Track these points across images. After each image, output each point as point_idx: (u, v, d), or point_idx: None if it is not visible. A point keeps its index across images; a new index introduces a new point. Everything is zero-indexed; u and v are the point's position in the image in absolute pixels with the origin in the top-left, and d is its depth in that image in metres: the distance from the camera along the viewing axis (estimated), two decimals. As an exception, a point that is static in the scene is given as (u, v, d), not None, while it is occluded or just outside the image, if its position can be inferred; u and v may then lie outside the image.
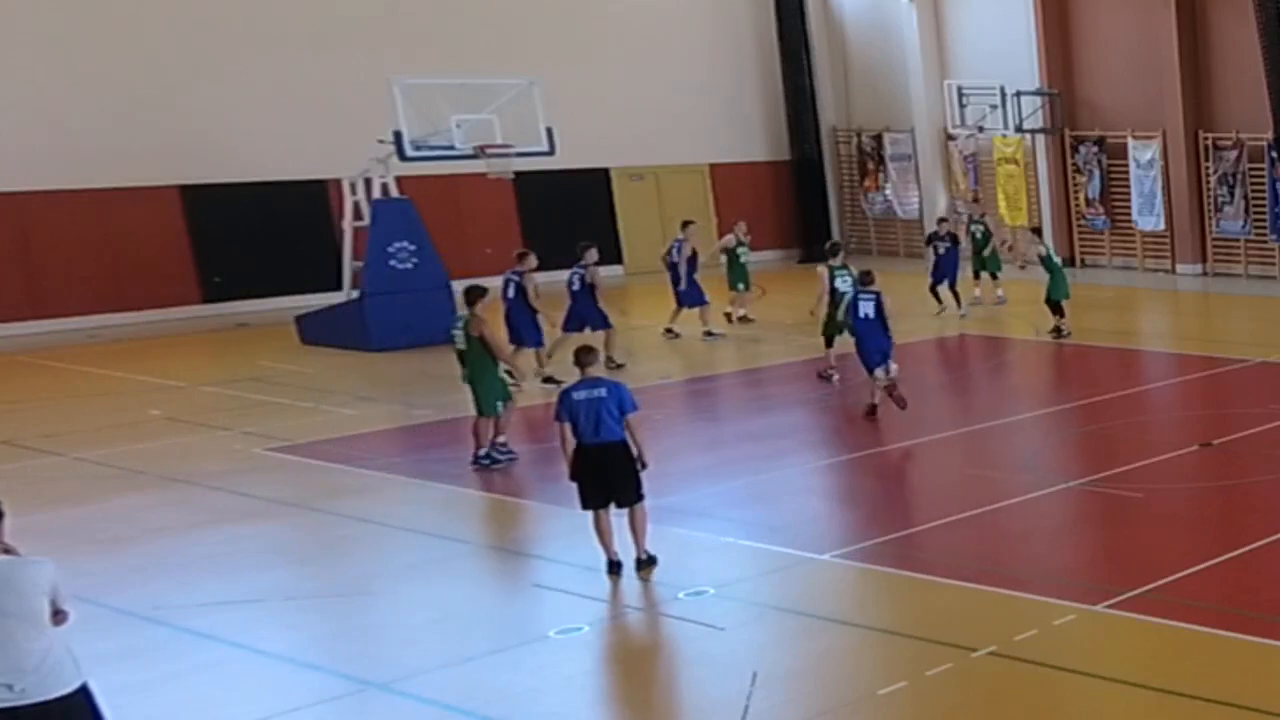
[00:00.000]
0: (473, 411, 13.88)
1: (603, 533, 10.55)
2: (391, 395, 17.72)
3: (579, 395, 10.33)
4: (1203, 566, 10.62)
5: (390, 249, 21.10)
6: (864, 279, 16.38)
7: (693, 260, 21.30)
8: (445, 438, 15.53)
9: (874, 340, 15.93)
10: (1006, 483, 13.15)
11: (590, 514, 10.54)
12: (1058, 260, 21.35)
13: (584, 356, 10.52)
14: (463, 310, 13.94)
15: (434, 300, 21.31)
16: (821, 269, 18.16)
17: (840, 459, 14.57)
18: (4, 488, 13.32)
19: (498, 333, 13.82)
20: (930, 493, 13.09)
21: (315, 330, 21.50)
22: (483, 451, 13.85)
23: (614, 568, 10.53)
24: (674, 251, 21.30)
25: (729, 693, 8.37)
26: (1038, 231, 22.94)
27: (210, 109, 24.54)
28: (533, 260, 18.24)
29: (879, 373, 15.93)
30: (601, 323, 18.58)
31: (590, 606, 9.98)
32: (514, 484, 13.39)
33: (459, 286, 22.09)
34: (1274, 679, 8.60)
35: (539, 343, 18.06)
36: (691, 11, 31.17)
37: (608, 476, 10.41)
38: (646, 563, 10.61)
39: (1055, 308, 20.94)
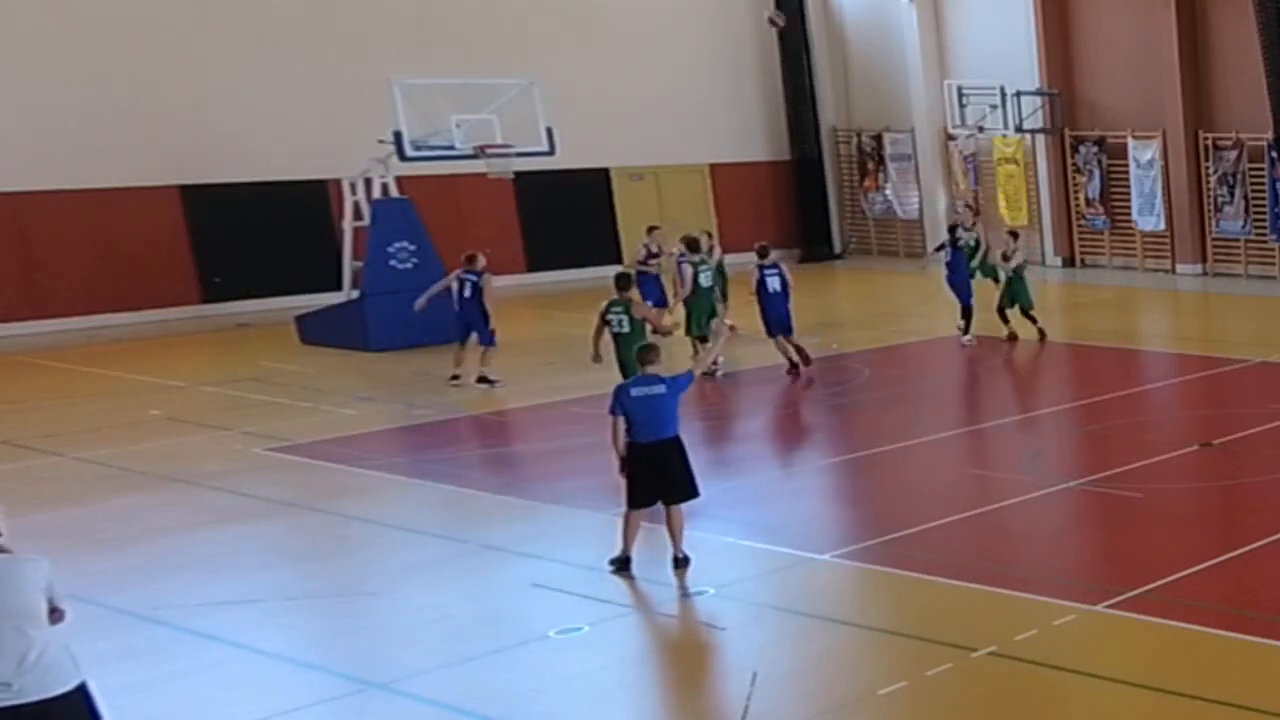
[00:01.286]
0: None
1: (630, 528, 10.52)
2: (391, 395, 17.72)
3: (637, 392, 10.37)
4: (1203, 566, 10.62)
5: (390, 249, 21.10)
6: (762, 253, 18.34)
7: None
8: (445, 438, 15.54)
9: (782, 308, 18.21)
10: (1006, 483, 13.15)
11: (626, 509, 10.52)
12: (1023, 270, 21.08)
13: (645, 354, 10.61)
14: (615, 296, 15.17)
15: (434, 300, 21.31)
16: (687, 267, 18.32)
17: (840, 459, 14.57)
18: (4, 488, 13.35)
19: None
20: (930, 493, 13.08)
21: (315, 330, 21.50)
22: None
23: (624, 564, 10.53)
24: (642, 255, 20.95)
25: (729, 693, 8.38)
26: (1015, 235, 22.00)
27: (210, 109, 24.54)
28: (482, 261, 18.26)
29: (782, 338, 18.26)
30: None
31: (590, 606, 9.98)
32: (514, 484, 13.39)
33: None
34: (1274, 679, 8.60)
35: (491, 342, 17.96)
36: (691, 11, 31.18)
37: (664, 474, 10.43)
38: (683, 563, 10.57)
39: (1024, 314, 20.82)
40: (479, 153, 21.11)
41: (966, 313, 20.83)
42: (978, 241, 24.20)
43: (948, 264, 21.25)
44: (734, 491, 12.98)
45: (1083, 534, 12.08)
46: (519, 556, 11.17)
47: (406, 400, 17.35)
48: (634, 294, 15.16)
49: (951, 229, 22.67)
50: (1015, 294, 20.85)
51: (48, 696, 6.10)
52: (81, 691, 6.26)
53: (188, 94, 24.32)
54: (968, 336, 20.76)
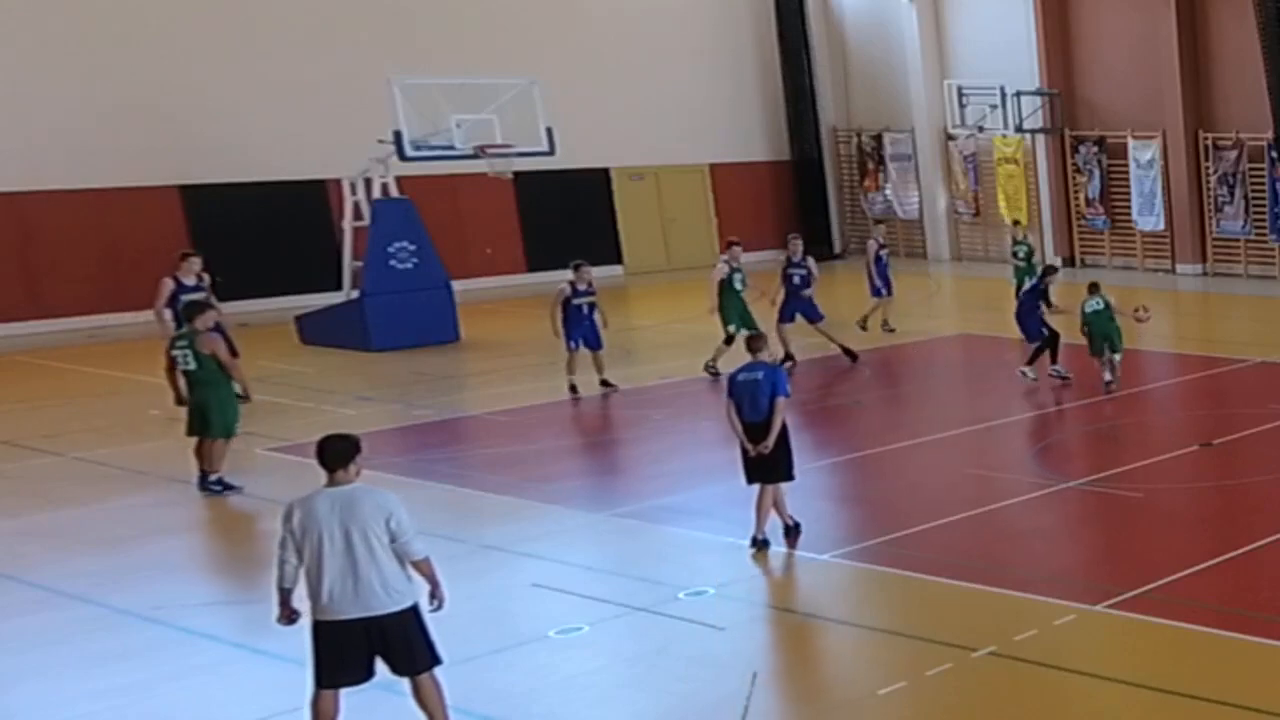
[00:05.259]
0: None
1: (761, 508, 11.15)
2: (391, 395, 17.72)
3: (741, 377, 11.10)
4: (1203, 566, 10.62)
5: (390, 249, 21.09)
6: (578, 266, 17.35)
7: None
8: (445, 438, 15.53)
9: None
10: (1006, 483, 13.15)
11: (755, 488, 11.17)
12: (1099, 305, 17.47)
13: (753, 343, 11.40)
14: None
15: (434, 300, 21.33)
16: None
17: (840, 459, 14.56)
18: (4, 488, 13.38)
19: None
20: (930, 493, 13.08)
21: (315, 330, 21.50)
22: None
23: (759, 544, 11.06)
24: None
25: (729, 693, 8.37)
26: (1095, 288, 17.96)
27: (210, 109, 24.54)
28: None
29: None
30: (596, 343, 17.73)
31: (590, 606, 9.98)
32: (514, 484, 13.38)
33: (459, 286, 22.30)
34: (1274, 679, 8.60)
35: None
36: (691, 11, 31.18)
37: (760, 453, 11.01)
38: (794, 530, 11.34)
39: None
40: (479, 153, 21.10)
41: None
42: (1029, 251, 23.87)
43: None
44: (734, 491, 12.94)
45: (1083, 534, 12.07)
46: (519, 556, 11.17)
47: (406, 400, 17.35)
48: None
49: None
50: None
51: (386, 613, 7.22)
52: (414, 611, 7.37)
53: (188, 94, 24.32)
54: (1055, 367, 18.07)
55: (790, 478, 11.24)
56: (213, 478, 13.10)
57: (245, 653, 9.22)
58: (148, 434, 15.60)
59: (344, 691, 7.44)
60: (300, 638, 7.43)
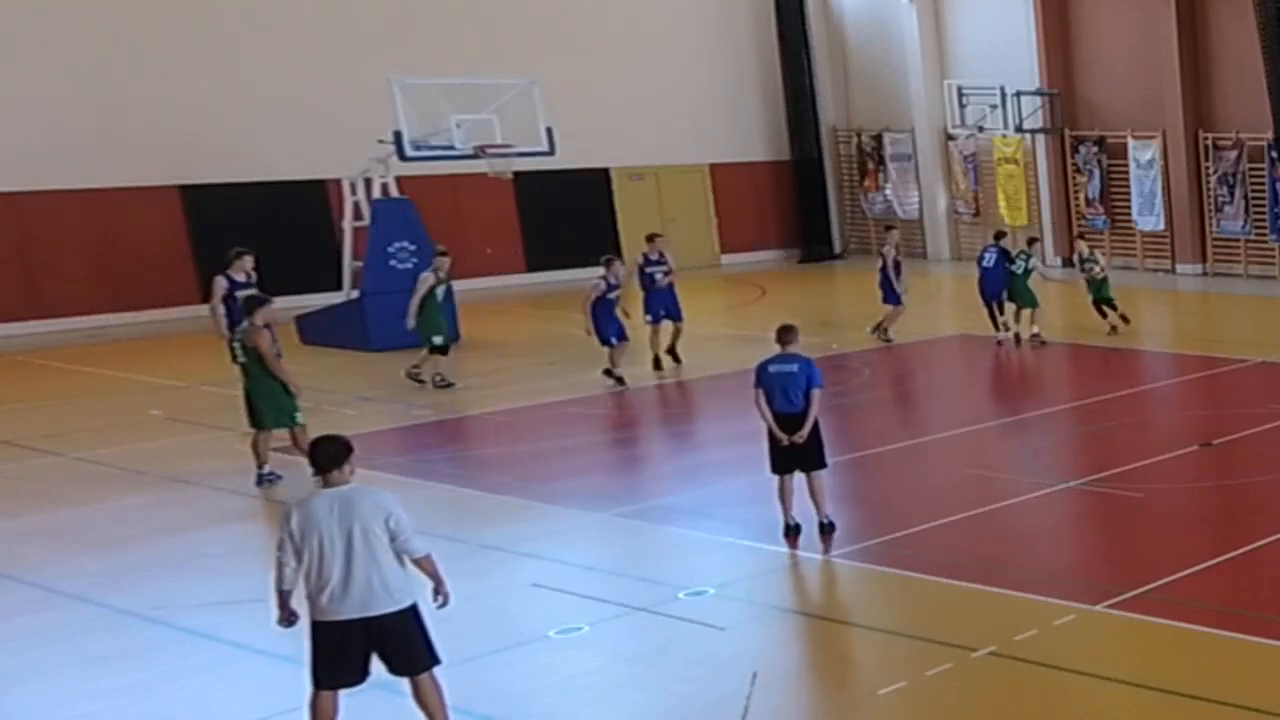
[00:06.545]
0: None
1: (784, 497, 11.38)
2: (391, 395, 17.72)
3: (772, 368, 11.26)
4: (1203, 566, 10.62)
5: (390, 249, 21.08)
6: (610, 261, 17.67)
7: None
8: (445, 438, 15.54)
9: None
10: (1006, 483, 13.15)
11: (776, 479, 11.35)
12: (1026, 266, 21.00)
13: (784, 335, 11.39)
14: None
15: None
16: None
17: (840, 459, 14.52)
18: (4, 488, 13.39)
19: None
20: (930, 493, 13.09)
21: (315, 330, 21.50)
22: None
23: (790, 531, 11.32)
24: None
25: (729, 693, 8.37)
26: (1031, 241, 22.66)
27: (210, 109, 24.54)
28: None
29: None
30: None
31: (590, 606, 9.98)
32: (514, 484, 13.39)
33: (459, 286, 22.28)
34: (1274, 679, 8.61)
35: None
36: (691, 11, 31.18)
37: (794, 443, 11.16)
38: (828, 528, 11.38)
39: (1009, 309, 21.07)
40: (479, 153, 21.10)
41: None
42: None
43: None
44: (734, 491, 12.97)
45: (1083, 534, 12.08)
46: (519, 556, 11.18)
47: (406, 400, 17.35)
48: None
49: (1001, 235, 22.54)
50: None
51: (386, 612, 7.21)
52: (413, 611, 7.35)
53: (188, 94, 24.32)
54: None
55: (823, 465, 11.43)
56: (264, 470, 13.35)
57: (245, 653, 9.22)
58: (148, 434, 15.60)
59: (342, 692, 7.45)
60: (301, 638, 7.44)
